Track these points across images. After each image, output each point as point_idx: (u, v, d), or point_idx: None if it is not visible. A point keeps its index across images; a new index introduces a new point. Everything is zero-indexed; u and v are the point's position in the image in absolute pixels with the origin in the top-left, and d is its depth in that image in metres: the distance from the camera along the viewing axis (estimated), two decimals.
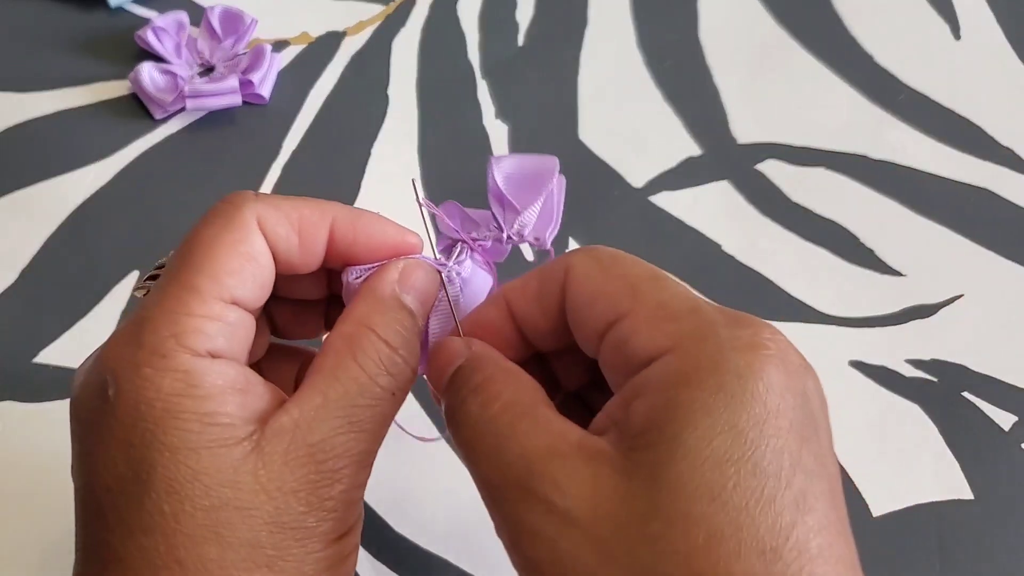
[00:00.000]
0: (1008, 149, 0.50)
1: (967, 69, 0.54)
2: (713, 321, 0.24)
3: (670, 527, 0.22)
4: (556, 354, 0.30)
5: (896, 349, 0.44)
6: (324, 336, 0.35)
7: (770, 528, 0.21)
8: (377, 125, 0.50)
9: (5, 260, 0.45)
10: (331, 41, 0.54)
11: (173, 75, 0.50)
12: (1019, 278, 0.46)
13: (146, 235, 0.46)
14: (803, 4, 0.56)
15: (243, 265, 0.27)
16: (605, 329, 0.26)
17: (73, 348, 0.42)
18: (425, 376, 0.30)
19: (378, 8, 0.55)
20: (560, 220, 0.30)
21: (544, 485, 0.23)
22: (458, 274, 0.30)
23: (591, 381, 0.30)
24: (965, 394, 0.43)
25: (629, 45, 0.54)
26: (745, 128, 0.51)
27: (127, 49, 0.52)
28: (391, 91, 0.52)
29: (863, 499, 0.40)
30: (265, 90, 0.50)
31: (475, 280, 0.31)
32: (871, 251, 0.47)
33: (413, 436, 0.39)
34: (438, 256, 0.31)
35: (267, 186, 0.48)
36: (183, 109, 0.50)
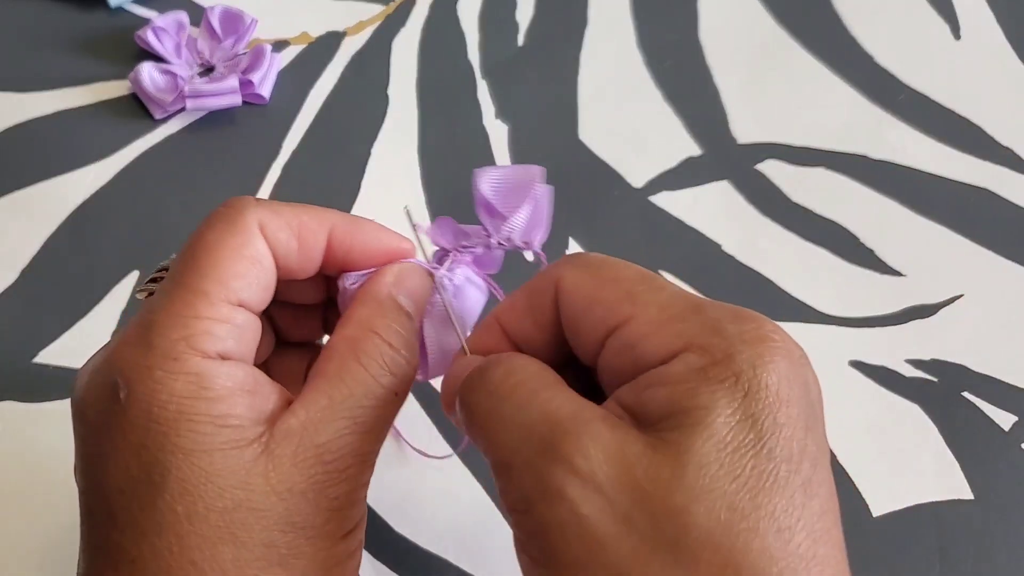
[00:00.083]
0: (1008, 149, 0.50)
1: (967, 69, 0.54)
2: (718, 317, 0.25)
3: (694, 501, 0.22)
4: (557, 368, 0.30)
5: (896, 349, 0.44)
6: (324, 339, 0.35)
7: (784, 509, 0.22)
8: (377, 125, 0.50)
9: (5, 260, 0.45)
10: (331, 41, 0.54)
11: (173, 75, 0.50)
12: (1019, 278, 0.46)
13: (146, 235, 0.46)
14: (803, 4, 0.56)
15: (248, 268, 0.27)
16: (605, 335, 0.26)
17: (73, 348, 0.42)
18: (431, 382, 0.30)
19: (378, 8, 0.55)
20: (549, 225, 0.31)
21: (568, 444, 0.23)
22: (450, 280, 0.31)
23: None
24: (965, 394, 0.43)
25: (629, 45, 0.54)
26: (745, 128, 0.51)
27: (127, 49, 0.52)
28: (391, 91, 0.52)
29: (863, 499, 0.40)
30: (265, 90, 0.50)
31: (466, 291, 0.32)
32: (871, 251, 0.47)
33: (427, 455, 0.39)
34: (430, 260, 0.32)
35: (267, 186, 0.48)
36: (183, 109, 0.50)
